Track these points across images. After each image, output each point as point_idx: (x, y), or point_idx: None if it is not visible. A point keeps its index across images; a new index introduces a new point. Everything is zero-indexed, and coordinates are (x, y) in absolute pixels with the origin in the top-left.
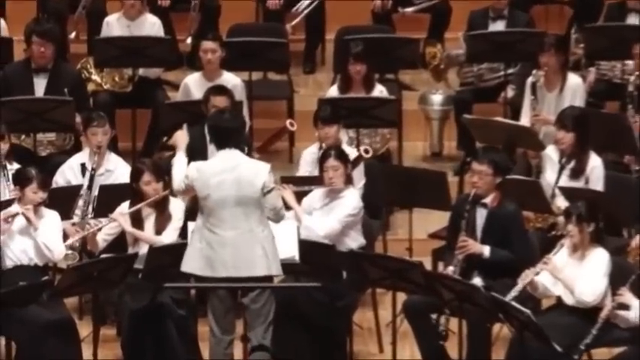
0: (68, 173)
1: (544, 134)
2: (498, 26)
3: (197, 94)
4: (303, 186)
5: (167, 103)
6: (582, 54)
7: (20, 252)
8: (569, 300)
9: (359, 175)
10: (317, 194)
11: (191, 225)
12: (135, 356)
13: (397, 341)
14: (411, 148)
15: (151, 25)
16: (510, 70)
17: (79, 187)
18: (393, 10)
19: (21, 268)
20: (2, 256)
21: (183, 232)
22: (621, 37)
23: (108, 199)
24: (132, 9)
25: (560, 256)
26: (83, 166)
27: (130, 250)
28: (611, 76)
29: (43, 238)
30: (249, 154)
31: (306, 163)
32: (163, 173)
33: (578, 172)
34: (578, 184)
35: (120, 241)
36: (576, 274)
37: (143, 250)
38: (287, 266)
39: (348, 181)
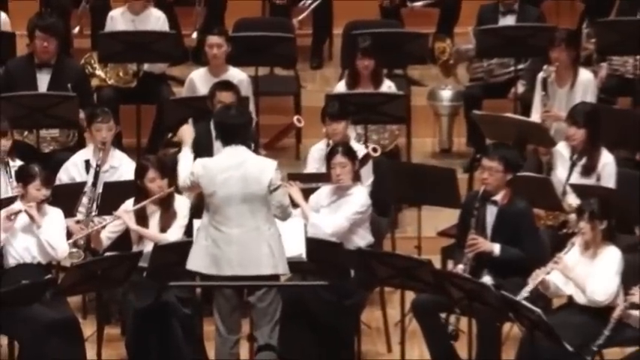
0: (72, 170)
1: (555, 130)
2: (508, 21)
3: (202, 89)
4: (310, 183)
5: (172, 99)
6: (594, 49)
7: (23, 250)
8: (580, 299)
9: (367, 172)
10: (324, 191)
11: (196, 222)
12: (139, 356)
13: (406, 341)
14: (420, 145)
15: (155, 20)
16: (521, 66)
17: (83, 184)
18: (401, 4)
19: (24, 267)
20: (5, 254)
21: (189, 230)
22: (633, 31)
23: (112, 196)
24: (136, 3)
25: (572, 255)
26: (87, 163)
27: (135, 248)
28: (623, 71)
29: (46, 236)
30: (255, 151)
31: (314, 159)
32: (168, 170)
33: (589, 169)
34: (590, 181)
35: (124, 238)
36: (588, 273)
37: (148, 248)
38: (294, 264)
39: (356, 178)
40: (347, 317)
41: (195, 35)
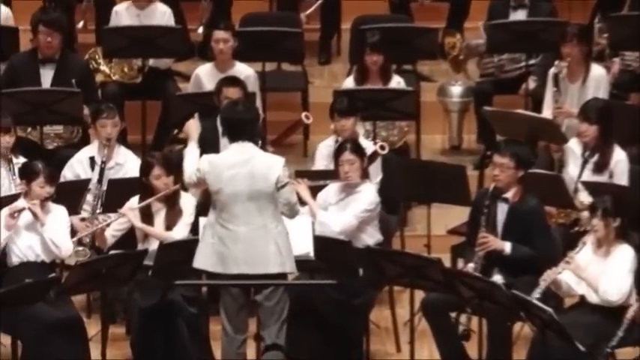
0: (77, 167)
1: (567, 127)
2: (519, 15)
3: (209, 85)
4: (318, 180)
5: (178, 95)
6: (606, 44)
7: (26, 248)
8: (592, 298)
9: (376, 169)
10: (332, 189)
11: (202, 220)
12: (145, 355)
13: (415, 340)
14: (430, 142)
15: (161, 14)
16: (532, 61)
17: (87, 181)
18: None
19: (27, 265)
20: (8, 252)
21: (195, 228)
22: None
23: (117, 193)
24: None
25: (584, 253)
26: (92, 160)
27: (140, 246)
28: (635, 66)
29: (50, 234)
30: (262, 148)
31: (322, 156)
32: (174, 167)
33: (601, 166)
34: (602, 178)
35: (129, 237)
36: (600, 271)
37: (153, 246)
38: (301, 263)
39: (365, 175)
40: (355, 316)
41: (201, 30)
